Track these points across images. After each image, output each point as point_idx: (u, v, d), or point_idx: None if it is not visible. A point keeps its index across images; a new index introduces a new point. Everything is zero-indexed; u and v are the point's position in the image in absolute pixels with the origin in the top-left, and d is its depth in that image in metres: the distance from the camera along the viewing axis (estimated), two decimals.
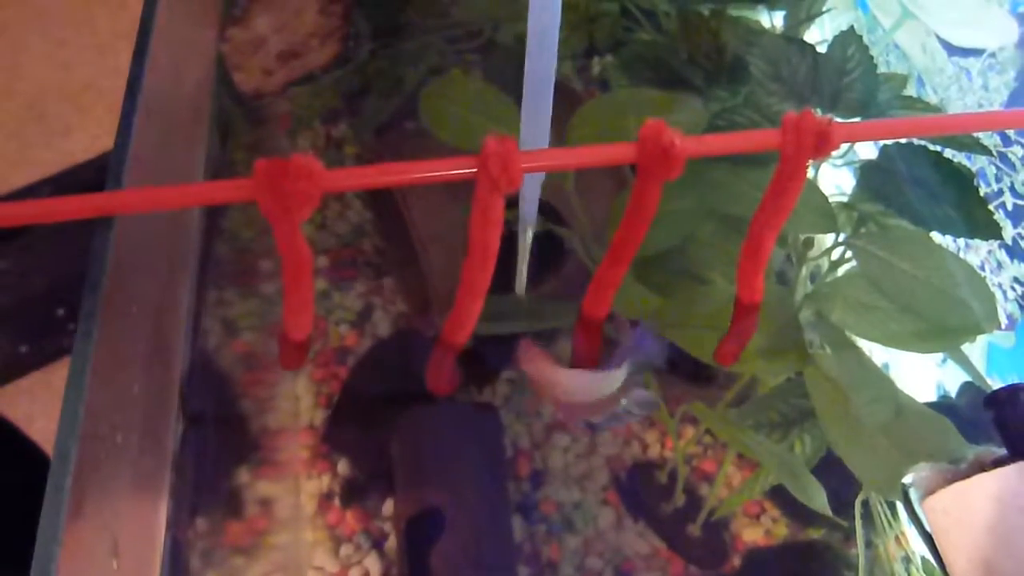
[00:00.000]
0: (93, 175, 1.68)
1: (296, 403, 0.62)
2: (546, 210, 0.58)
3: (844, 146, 0.55)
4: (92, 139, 1.78)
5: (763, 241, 0.41)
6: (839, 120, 0.54)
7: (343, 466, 0.60)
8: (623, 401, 0.47)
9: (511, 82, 0.61)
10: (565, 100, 0.64)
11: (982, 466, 0.39)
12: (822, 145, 0.35)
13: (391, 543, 0.57)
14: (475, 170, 0.33)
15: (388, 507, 0.58)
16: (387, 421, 0.59)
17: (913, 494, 0.42)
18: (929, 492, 0.40)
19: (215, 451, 0.56)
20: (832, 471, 0.51)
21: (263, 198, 0.32)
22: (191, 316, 0.55)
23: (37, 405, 1.55)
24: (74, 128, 1.84)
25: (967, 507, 0.37)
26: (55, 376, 1.61)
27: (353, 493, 0.59)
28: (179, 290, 0.53)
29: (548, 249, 0.60)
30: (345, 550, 0.57)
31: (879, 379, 0.49)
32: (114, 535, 0.33)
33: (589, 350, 0.47)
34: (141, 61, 0.39)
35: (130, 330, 0.40)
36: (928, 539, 0.41)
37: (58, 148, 1.82)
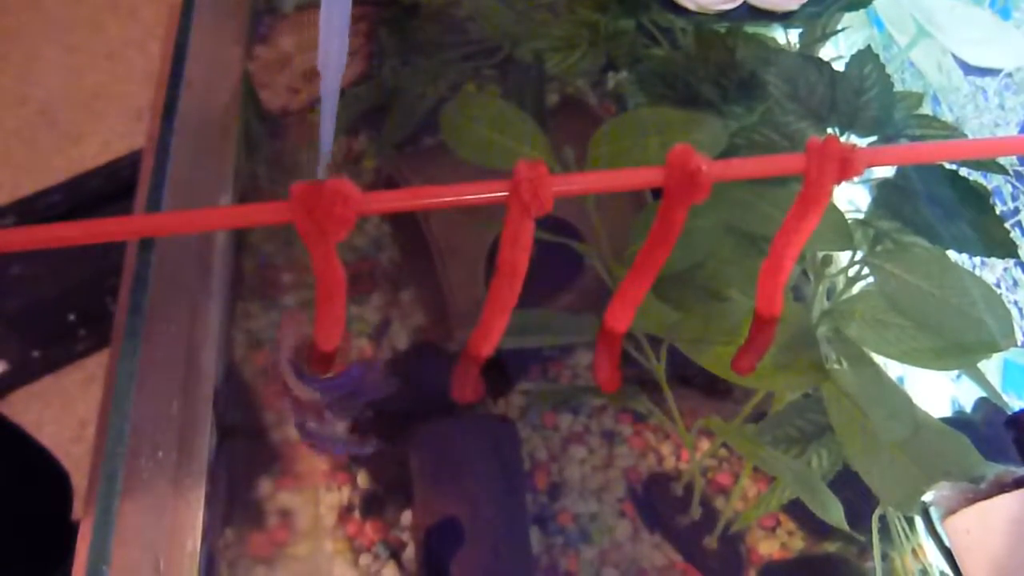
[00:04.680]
0: (103, 182, 1.70)
1: None
2: (563, 226, 0.59)
3: None
4: (103, 145, 1.80)
5: (784, 260, 0.41)
6: (857, 139, 0.55)
7: (362, 478, 0.60)
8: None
9: (529, 99, 0.61)
10: (580, 115, 0.65)
11: (1002, 486, 0.39)
12: (846, 170, 0.36)
13: (410, 554, 0.57)
14: (507, 194, 0.34)
15: (407, 518, 0.59)
16: (406, 433, 0.60)
17: (934, 512, 0.42)
18: (950, 511, 0.40)
19: (241, 463, 0.57)
20: (848, 484, 0.52)
21: (300, 221, 0.33)
22: (222, 330, 0.56)
23: (49, 410, 1.57)
24: (85, 134, 1.86)
25: (989, 527, 0.37)
26: (67, 380, 1.62)
27: (372, 504, 0.60)
28: (210, 304, 0.54)
29: (565, 264, 0.61)
30: (364, 561, 0.57)
31: (896, 395, 0.50)
32: (156, 552, 0.34)
33: (610, 363, 0.47)
34: (176, 83, 0.40)
35: (169, 349, 0.41)
36: (949, 557, 0.41)
37: (69, 154, 1.84)
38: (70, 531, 0.89)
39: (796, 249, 0.40)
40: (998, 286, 0.57)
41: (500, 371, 0.63)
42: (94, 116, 1.79)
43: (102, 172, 1.64)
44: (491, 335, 0.40)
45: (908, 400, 0.49)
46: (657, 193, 0.37)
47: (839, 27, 0.64)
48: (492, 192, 0.34)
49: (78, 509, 0.94)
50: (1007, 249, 0.51)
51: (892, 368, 0.56)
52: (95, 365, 1.47)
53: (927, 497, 0.43)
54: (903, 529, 0.52)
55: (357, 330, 0.66)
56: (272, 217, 0.33)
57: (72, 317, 1.50)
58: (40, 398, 1.45)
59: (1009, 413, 0.51)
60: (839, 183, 0.37)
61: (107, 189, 1.61)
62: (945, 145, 0.40)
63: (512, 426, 0.61)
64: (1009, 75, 0.53)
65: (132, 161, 1.71)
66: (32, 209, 1.58)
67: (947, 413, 0.59)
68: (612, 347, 0.44)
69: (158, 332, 0.38)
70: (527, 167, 0.34)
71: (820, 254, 0.53)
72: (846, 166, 0.36)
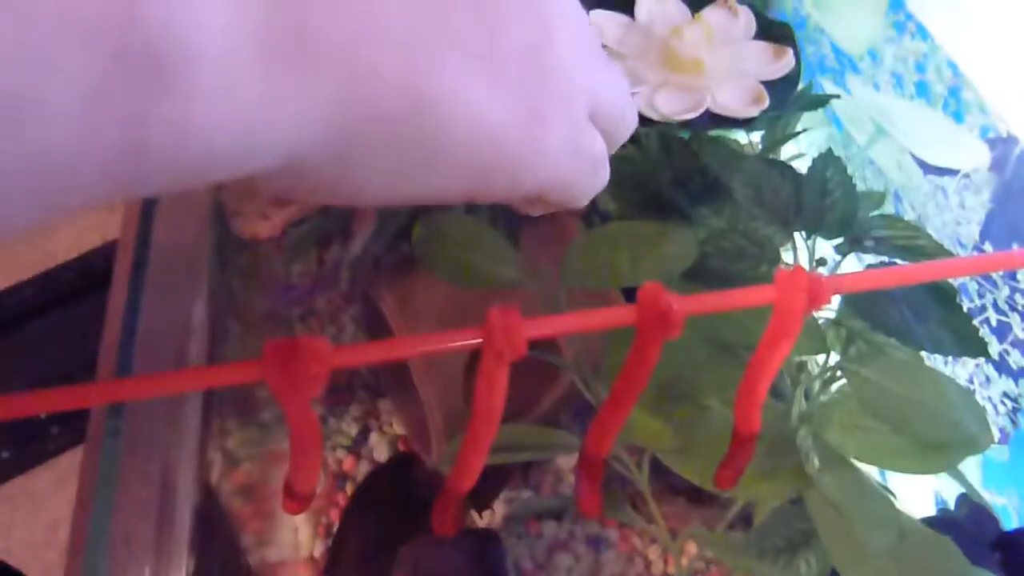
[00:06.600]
0: (75, 275, 1.69)
1: (295, 534, 0.62)
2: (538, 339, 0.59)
3: (831, 260, 0.56)
4: (75, 239, 1.79)
5: (759, 385, 0.42)
6: (823, 241, 0.56)
7: None
8: None
9: (501, 210, 0.62)
10: (553, 224, 0.66)
11: None
12: (814, 300, 0.36)
13: None
14: (480, 341, 0.34)
15: None
16: (388, 550, 0.59)
17: None
18: None
19: None
20: None
21: (272, 379, 0.33)
22: (198, 452, 0.55)
23: (19, 513, 1.53)
24: (57, 226, 1.85)
25: None
26: (37, 482, 1.59)
27: None
28: (186, 426, 0.53)
29: (540, 373, 0.61)
30: None
31: (879, 501, 0.49)
32: None
33: (592, 489, 0.47)
34: (146, 233, 0.40)
35: (143, 497, 0.40)
36: None
37: (41, 247, 1.83)
38: None
39: (771, 374, 0.40)
40: (971, 382, 0.58)
41: (481, 482, 0.62)
42: None
43: (73, 266, 1.63)
44: (470, 473, 0.40)
45: (891, 506, 0.49)
46: (630, 294, 0.38)
47: (799, 127, 0.66)
48: (466, 340, 0.34)
49: None
50: (978, 348, 0.51)
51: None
52: (67, 465, 1.43)
53: None
54: None
55: (335, 443, 0.66)
56: (244, 376, 0.33)
57: (43, 414, 1.47)
58: (10, 501, 1.42)
59: (994, 520, 0.51)
60: (809, 313, 0.37)
61: (79, 284, 1.60)
62: (909, 268, 0.41)
63: (497, 538, 0.60)
64: (967, 175, 0.55)
65: (105, 252, 1.70)
66: (3, 306, 1.57)
67: (931, 508, 0.59)
68: (593, 473, 0.44)
69: (135, 484, 0.37)
70: (499, 314, 0.34)
71: (796, 360, 0.54)
72: (814, 296, 0.36)
